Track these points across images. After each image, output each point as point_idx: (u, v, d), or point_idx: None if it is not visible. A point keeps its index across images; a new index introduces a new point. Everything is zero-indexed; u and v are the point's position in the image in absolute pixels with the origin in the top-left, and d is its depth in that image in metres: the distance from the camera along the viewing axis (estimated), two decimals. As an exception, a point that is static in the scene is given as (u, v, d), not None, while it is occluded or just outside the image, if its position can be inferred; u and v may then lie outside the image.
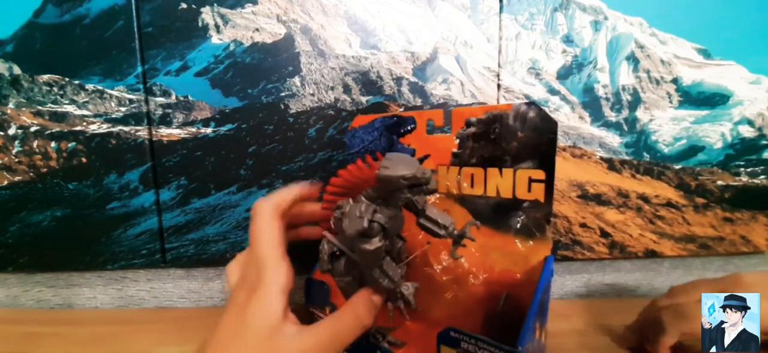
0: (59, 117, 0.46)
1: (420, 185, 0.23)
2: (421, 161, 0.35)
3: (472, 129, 0.31)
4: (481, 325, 0.30)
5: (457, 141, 0.32)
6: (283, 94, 0.45)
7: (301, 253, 0.30)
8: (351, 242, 0.24)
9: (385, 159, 0.23)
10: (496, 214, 0.31)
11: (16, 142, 0.46)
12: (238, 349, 0.24)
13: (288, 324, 0.25)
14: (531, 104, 0.28)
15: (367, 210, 0.23)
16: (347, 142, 0.38)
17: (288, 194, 0.29)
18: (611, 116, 0.47)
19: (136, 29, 0.44)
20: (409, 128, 0.36)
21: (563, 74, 0.46)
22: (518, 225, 0.31)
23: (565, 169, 0.46)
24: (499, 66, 0.46)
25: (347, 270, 0.27)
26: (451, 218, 0.27)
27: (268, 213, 0.27)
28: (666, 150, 0.46)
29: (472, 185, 0.32)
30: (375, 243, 0.23)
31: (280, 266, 0.26)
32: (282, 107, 0.45)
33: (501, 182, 0.30)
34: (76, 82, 0.45)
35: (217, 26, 0.45)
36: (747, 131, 0.46)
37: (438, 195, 0.34)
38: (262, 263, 0.26)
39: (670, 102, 0.46)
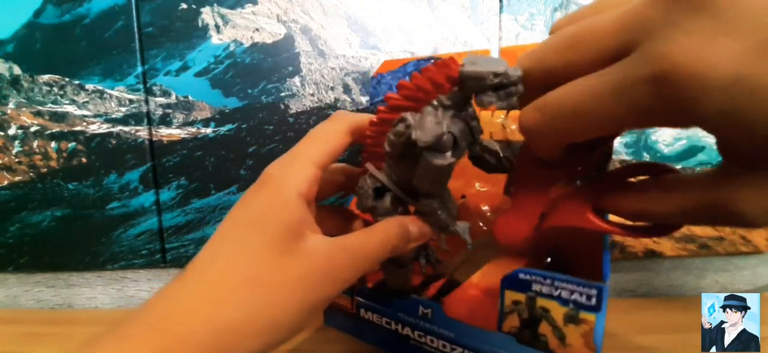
0: (59, 117, 0.46)
1: (510, 85, 0.19)
2: None
3: None
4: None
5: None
6: (283, 94, 0.45)
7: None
8: (410, 164, 0.21)
9: (466, 59, 0.19)
10: None
11: (16, 142, 0.46)
12: (242, 256, 0.19)
13: (310, 228, 0.20)
14: None
15: (445, 117, 0.20)
16: (371, 91, 0.34)
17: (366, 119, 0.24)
18: (611, 116, 0.47)
19: (136, 29, 0.44)
20: None
21: (563, 74, 0.46)
22: None
23: (565, 169, 0.46)
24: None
25: (393, 207, 0.23)
26: (498, 144, 0.24)
27: (343, 123, 0.23)
28: (666, 150, 0.46)
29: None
30: (448, 158, 0.20)
31: (317, 156, 0.21)
32: (282, 107, 0.45)
33: None
34: (76, 82, 0.45)
35: (217, 26, 0.45)
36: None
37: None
38: (295, 152, 0.22)
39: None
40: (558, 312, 0.22)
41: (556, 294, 0.22)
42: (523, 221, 0.22)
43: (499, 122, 0.28)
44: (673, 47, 0.12)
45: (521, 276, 0.23)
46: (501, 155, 0.23)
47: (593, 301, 0.21)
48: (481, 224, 0.29)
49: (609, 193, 0.18)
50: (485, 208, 0.29)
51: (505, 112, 0.27)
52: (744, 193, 0.13)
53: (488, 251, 0.26)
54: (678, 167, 0.46)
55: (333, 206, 0.26)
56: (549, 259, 0.27)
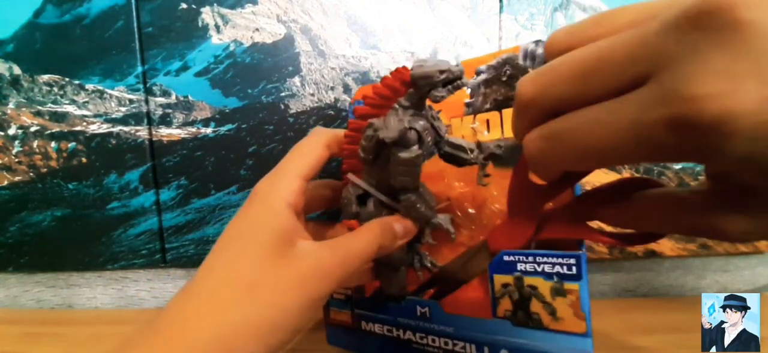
0: (59, 117, 0.46)
1: (455, 79, 0.22)
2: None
3: (483, 76, 0.30)
4: None
5: (469, 91, 0.31)
6: (283, 94, 0.45)
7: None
8: (382, 168, 0.23)
9: (414, 63, 0.22)
10: (516, 154, 0.30)
11: (16, 142, 0.46)
12: (235, 265, 0.20)
13: (300, 234, 0.21)
14: (539, 41, 0.28)
15: (405, 115, 0.22)
16: (351, 116, 0.37)
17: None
18: (611, 116, 0.47)
19: (136, 29, 0.44)
20: None
21: (563, 74, 0.46)
22: None
23: (565, 169, 0.46)
24: (499, 66, 0.46)
25: (377, 210, 0.25)
26: (470, 142, 0.26)
27: (321, 137, 0.25)
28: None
29: (487, 130, 0.30)
30: (414, 150, 0.22)
31: (301, 169, 0.23)
32: (282, 107, 0.45)
33: None
34: (76, 82, 0.45)
35: (217, 26, 0.45)
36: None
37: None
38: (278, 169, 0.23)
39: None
40: (545, 287, 0.24)
41: (539, 269, 0.24)
42: (518, 234, 0.24)
43: (471, 128, 0.31)
44: (697, 90, 0.11)
45: (506, 257, 0.25)
46: (467, 149, 0.25)
47: (574, 270, 0.23)
48: (473, 227, 0.31)
49: (602, 208, 0.20)
50: (471, 211, 0.31)
51: (474, 117, 0.30)
52: (732, 219, 0.15)
53: (481, 260, 0.27)
54: (678, 166, 0.46)
55: (320, 220, 0.29)
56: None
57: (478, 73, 0.30)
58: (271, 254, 0.20)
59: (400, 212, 0.25)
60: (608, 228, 0.22)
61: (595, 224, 0.21)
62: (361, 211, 0.26)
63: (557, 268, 0.23)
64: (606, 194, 0.20)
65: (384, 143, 0.22)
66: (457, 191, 0.31)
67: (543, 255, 0.23)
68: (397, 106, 0.23)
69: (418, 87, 0.22)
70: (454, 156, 0.26)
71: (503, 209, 0.29)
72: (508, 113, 0.29)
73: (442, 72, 0.21)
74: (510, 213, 0.24)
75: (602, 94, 0.14)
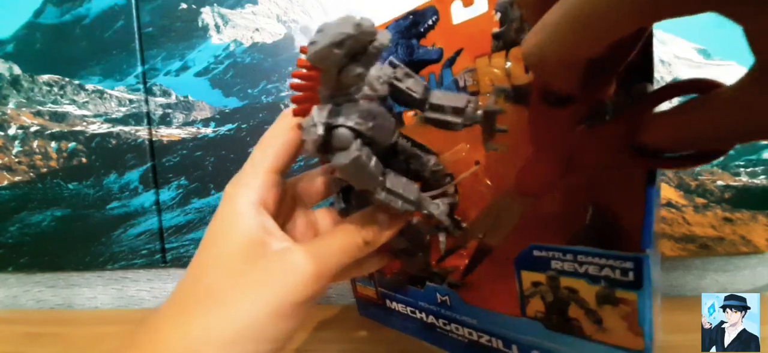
0: (59, 117, 0.46)
1: (362, 48, 0.16)
2: (453, 60, 0.26)
3: None
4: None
5: (498, 15, 0.23)
6: (283, 94, 0.45)
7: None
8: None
9: (308, 44, 0.16)
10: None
11: (16, 142, 0.46)
12: (209, 274, 0.19)
13: (271, 235, 0.19)
14: None
15: (320, 114, 0.16)
16: None
17: None
18: (611, 116, 0.47)
19: (136, 29, 0.44)
20: (430, 22, 0.27)
21: (563, 74, 0.46)
22: None
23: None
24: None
25: (367, 201, 0.21)
26: (464, 95, 0.19)
27: (287, 119, 0.21)
28: (666, 150, 0.47)
29: (527, 70, 0.22)
30: (352, 152, 0.16)
31: (268, 158, 0.21)
32: (282, 107, 0.45)
33: None
34: (76, 82, 0.45)
35: (217, 26, 0.45)
36: (747, 131, 0.46)
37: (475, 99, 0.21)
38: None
39: (670, 102, 0.46)
40: (588, 292, 0.18)
41: (581, 270, 0.18)
42: (547, 165, 0.19)
43: (503, 70, 0.24)
44: None
45: (536, 253, 0.19)
46: (447, 108, 0.19)
47: (630, 275, 0.17)
48: (490, 187, 0.26)
49: (645, 123, 0.15)
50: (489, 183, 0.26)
51: (506, 53, 0.23)
52: None
53: (513, 210, 0.22)
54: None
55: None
56: (590, 214, 0.22)
57: None
58: (237, 259, 0.19)
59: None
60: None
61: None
62: (347, 207, 0.22)
63: (606, 271, 0.17)
64: (650, 106, 0.16)
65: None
66: (486, 153, 0.24)
67: (587, 253, 0.18)
68: (319, 96, 0.18)
69: (325, 69, 0.16)
70: (440, 121, 0.19)
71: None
72: None
73: (338, 45, 0.15)
74: (534, 142, 0.19)
75: None
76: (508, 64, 0.23)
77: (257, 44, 0.45)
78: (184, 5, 0.44)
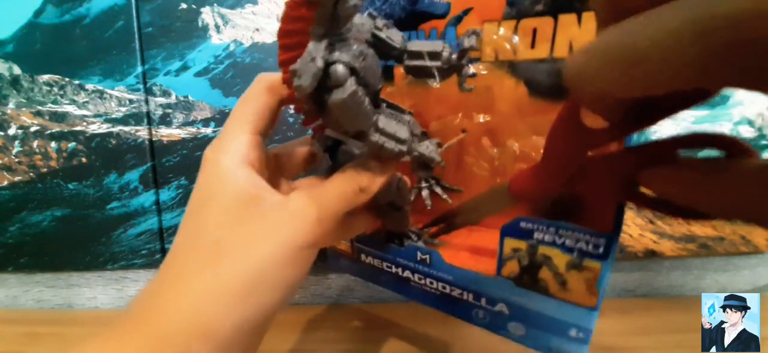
0: (59, 117, 0.46)
1: None
2: (460, 19, 0.26)
3: None
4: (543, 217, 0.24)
5: None
6: (283, 94, 0.45)
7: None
8: (321, 108, 0.18)
9: None
10: (555, 85, 0.23)
11: (16, 142, 0.46)
12: (201, 232, 0.18)
13: (264, 190, 0.19)
14: None
15: (317, 49, 0.16)
16: None
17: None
18: (611, 116, 0.47)
19: (136, 29, 0.44)
20: None
21: (563, 74, 0.46)
22: None
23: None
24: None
25: (353, 157, 0.22)
26: (440, 41, 0.20)
27: (262, 82, 0.21)
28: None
29: (532, 44, 0.22)
30: (348, 88, 0.17)
31: (248, 119, 0.20)
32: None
33: (579, 35, 0.21)
34: (76, 82, 0.45)
35: (217, 26, 0.45)
36: (747, 131, 0.46)
37: (473, 71, 0.22)
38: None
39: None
40: (561, 259, 0.21)
41: (559, 241, 0.21)
42: (548, 181, 0.19)
43: (510, 42, 0.23)
44: None
45: (523, 224, 0.22)
46: (425, 53, 0.20)
47: (600, 250, 0.20)
48: (496, 163, 0.26)
49: (655, 167, 0.14)
50: (494, 151, 0.26)
51: (516, 24, 0.22)
52: None
53: (499, 202, 0.23)
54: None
55: (317, 174, 0.26)
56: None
57: None
58: (234, 213, 0.18)
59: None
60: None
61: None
62: (334, 164, 0.22)
63: (581, 244, 0.20)
64: (664, 151, 0.15)
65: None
66: (477, 122, 0.26)
67: (567, 229, 0.20)
68: (313, 36, 0.17)
69: (322, 4, 0.16)
70: (419, 68, 0.20)
71: (526, 151, 0.25)
72: (566, 20, 0.21)
73: None
74: (545, 154, 0.19)
75: None
76: (516, 38, 0.22)
77: (257, 44, 0.45)
78: (184, 5, 0.44)
